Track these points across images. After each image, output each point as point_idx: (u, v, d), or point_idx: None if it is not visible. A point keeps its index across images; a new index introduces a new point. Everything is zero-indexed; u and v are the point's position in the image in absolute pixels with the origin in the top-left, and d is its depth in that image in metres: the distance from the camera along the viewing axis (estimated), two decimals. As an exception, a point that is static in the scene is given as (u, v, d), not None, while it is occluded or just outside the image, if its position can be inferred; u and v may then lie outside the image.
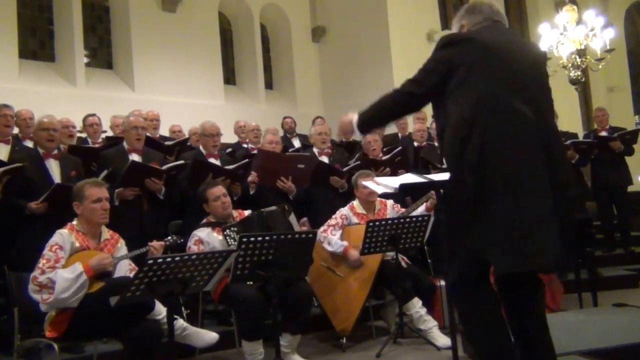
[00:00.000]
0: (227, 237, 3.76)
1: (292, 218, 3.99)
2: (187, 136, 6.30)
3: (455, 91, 2.23)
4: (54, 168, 4.19)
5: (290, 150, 6.42)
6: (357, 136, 7.26)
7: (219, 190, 3.97)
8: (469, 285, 2.24)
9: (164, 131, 6.62)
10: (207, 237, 3.84)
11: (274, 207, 3.99)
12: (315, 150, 5.52)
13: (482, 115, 2.15)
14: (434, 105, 2.39)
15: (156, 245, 3.31)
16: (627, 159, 6.70)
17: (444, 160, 2.65)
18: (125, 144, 4.50)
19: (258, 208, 4.12)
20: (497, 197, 2.09)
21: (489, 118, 2.14)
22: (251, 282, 3.52)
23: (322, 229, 4.32)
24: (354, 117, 2.47)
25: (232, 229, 3.79)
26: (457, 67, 2.22)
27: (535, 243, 2.07)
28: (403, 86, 2.34)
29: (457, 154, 2.19)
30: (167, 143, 5.66)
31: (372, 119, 2.45)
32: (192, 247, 3.81)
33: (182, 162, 4.58)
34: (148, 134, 5.47)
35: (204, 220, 3.99)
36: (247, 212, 4.07)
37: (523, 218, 2.08)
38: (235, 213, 4.03)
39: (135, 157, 4.42)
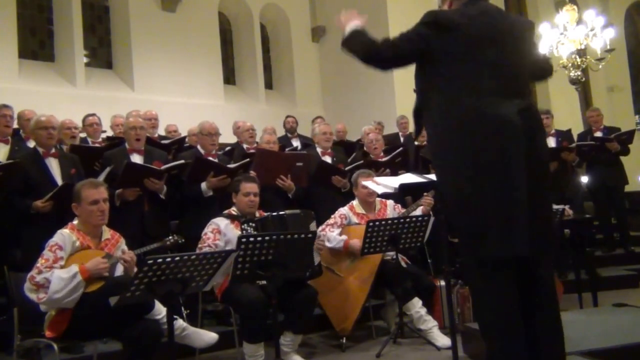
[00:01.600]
0: (244, 232, 3.75)
1: (313, 226, 3.97)
2: (185, 135, 6.29)
3: (439, 83, 2.31)
4: (54, 166, 4.19)
5: (288, 150, 6.42)
6: (355, 135, 7.30)
7: (252, 187, 3.96)
8: (489, 269, 2.23)
9: (162, 131, 6.61)
10: (225, 229, 3.83)
11: (297, 211, 3.96)
12: (318, 149, 5.51)
13: (463, 121, 2.23)
14: (415, 77, 2.45)
15: (126, 258, 3.18)
16: (624, 159, 6.70)
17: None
18: (126, 144, 4.51)
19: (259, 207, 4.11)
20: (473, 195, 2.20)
21: (469, 126, 2.22)
22: (260, 282, 3.52)
23: (320, 228, 4.31)
24: (348, 29, 2.56)
25: (250, 224, 3.79)
26: (437, 55, 2.28)
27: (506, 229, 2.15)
28: (381, 43, 2.39)
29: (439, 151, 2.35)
30: (164, 142, 5.65)
31: (351, 49, 2.51)
32: (209, 234, 3.80)
33: (182, 161, 4.59)
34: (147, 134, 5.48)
35: (226, 211, 3.98)
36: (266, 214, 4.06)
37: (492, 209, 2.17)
38: (257, 214, 4.02)
39: (136, 157, 4.41)
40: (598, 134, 6.74)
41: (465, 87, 2.24)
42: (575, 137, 6.75)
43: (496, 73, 2.24)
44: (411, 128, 7.12)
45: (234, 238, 3.75)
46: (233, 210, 3.98)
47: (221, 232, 3.82)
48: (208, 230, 3.84)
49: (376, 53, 2.40)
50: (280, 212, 3.82)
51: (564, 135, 6.48)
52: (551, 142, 6.15)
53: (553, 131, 6.38)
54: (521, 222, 2.15)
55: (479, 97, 2.22)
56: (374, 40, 2.42)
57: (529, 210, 2.16)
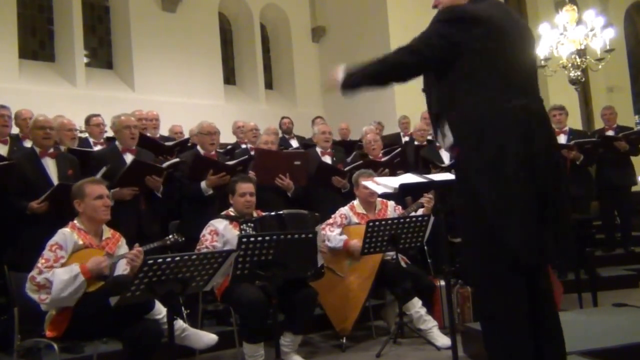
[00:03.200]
0: (243, 232, 3.75)
1: (319, 228, 3.97)
2: (188, 137, 6.29)
3: (464, 81, 2.14)
4: (50, 167, 4.19)
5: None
6: (355, 135, 7.31)
7: (248, 187, 3.96)
8: (500, 277, 2.15)
9: (163, 131, 6.61)
10: (224, 230, 3.83)
11: (304, 211, 3.97)
12: (318, 150, 5.51)
13: (494, 116, 2.11)
14: (427, 80, 2.31)
15: (131, 255, 3.17)
16: (633, 159, 6.63)
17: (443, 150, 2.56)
18: (117, 143, 4.49)
19: (257, 207, 4.11)
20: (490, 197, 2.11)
21: (500, 121, 2.10)
22: (259, 282, 3.52)
23: (320, 227, 4.31)
24: (340, 74, 2.28)
25: (249, 224, 3.79)
26: (464, 52, 2.11)
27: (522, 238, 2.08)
28: (396, 53, 2.18)
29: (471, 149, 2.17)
30: (168, 143, 5.65)
31: (357, 82, 2.27)
32: (207, 235, 3.81)
33: (178, 159, 4.59)
34: (148, 134, 5.49)
35: (224, 212, 3.99)
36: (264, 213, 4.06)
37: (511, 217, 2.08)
38: (254, 214, 4.01)
39: (129, 156, 4.40)
40: (610, 132, 6.70)
41: (495, 85, 2.11)
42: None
43: (520, 69, 2.15)
44: (412, 128, 7.11)
45: (232, 238, 3.76)
46: (231, 211, 3.99)
47: (219, 234, 3.82)
48: (206, 232, 3.84)
49: (397, 64, 2.18)
50: (279, 212, 3.82)
51: (576, 134, 6.39)
52: (562, 139, 6.10)
53: (566, 128, 6.29)
54: (548, 229, 2.09)
55: (510, 95, 2.10)
56: (383, 57, 2.21)
57: (550, 217, 2.11)
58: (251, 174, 4.75)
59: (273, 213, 3.83)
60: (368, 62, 2.25)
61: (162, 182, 4.33)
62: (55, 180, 4.11)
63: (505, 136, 2.09)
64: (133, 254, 3.15)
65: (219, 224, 3.88)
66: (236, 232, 3.80)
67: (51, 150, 4.24)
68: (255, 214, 3.99)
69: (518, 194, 2.08)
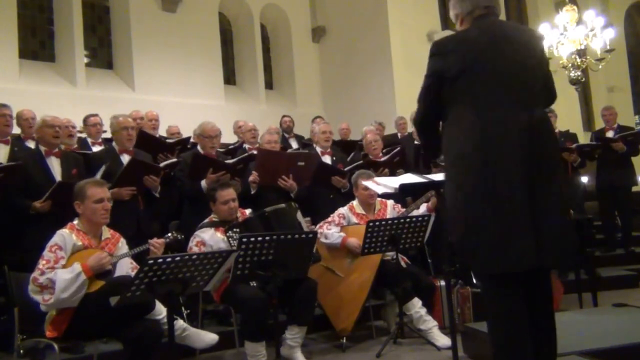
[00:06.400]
0: (230, 239, 3.74)
1: (300, 215, 3.97)
2: (189, 136, 6.28)
3: (446, 107, 2.34)
4: (55, 166, 4.19)
5: (287, 150, 6.41)
6: (355, 135, 7.31)
7: (228, 194, 3.91)
8: (500, 283, 2.21)
9: (163, 132, 6.61)
10: (210, 239, 3.80)
11: (282, 205, 3.96)
12: (317, 149, 5.51)
13: (462, 138, 2.27)
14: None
15: (155, 244, 3.28)
16: (633, 159, 6.65)
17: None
18: (114, 144, 4.49)
19: (259, 207, 4.11)
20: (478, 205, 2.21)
21: (468, 141, 2.24)
22: (254, 283, 3.52)
23: (318, 225, 4.33)
24: None
25: (234, 230, 3.78)
26: (445, 79, 2.30)
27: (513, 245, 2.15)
28: (417, 107, 2.45)
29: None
30: (169, 141, 5.65)
31: (424, 147, 2.60)
32: (194, 248, 3.79)
33: (175, 160, 4.58)
34: (149, 132, 5.48)
35: (207, 220, 3.97)
36: (247, 212, 4.06)
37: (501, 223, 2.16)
38: (238, 213, 4.02)
39: (126, 157, 4.39)
40: (610, 132, 6.74)
41: (466, 102, 2.26)
42: (587, 136, 6.73)
43: (497, 85, 2.24)
44: (410, 128, 7.12)
45: (221, 245, 3.75)
46: (214, 217, 3.97)
47: (206, 244, 3.79)
48: (192, 244, 3.82)
49: (419, 118, 2.47)
50: (262, 210, 3.82)
51: (566, 136, 6.47)
52: None
53: (556, 131, 6.38)
54: (521, 236, 2.14)
55: (480, 111, 2.23)
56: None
57: (532, 223, 2.15)
58: (253, 174, 4.76)
59: (256, 213, 3.83)
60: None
61: (159, 182, 4.32)
62: (59, 180, 4.11)
63: (460, 150, 2.27)
64: (156, 242, 3.25)
65: (204, 233, 3.84)
66: (222, 237, 3.79)
67: (56, 149, 4.25)
68: (238, 214, 3.98)
69: (468, 205, 2.22)
